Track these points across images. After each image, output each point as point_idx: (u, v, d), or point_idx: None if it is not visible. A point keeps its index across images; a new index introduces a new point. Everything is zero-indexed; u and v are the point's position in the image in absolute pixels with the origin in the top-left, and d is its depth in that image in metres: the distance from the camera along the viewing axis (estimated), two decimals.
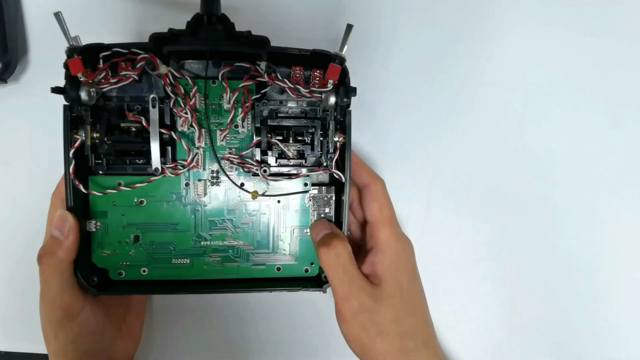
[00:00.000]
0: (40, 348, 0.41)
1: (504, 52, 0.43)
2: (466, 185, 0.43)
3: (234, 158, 0.35)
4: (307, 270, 0.37)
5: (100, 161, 0.35)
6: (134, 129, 0.34)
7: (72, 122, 0.33)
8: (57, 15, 0.31)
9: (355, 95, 0.34)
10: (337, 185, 0.37)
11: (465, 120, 0.43)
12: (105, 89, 0.33)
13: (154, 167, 0.34)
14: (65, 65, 0.32)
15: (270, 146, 0.35)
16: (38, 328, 0.41)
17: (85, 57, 0.32)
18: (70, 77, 0.32)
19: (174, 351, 0.43)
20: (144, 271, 0.36)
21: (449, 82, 0.43)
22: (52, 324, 0.33)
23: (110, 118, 0.34)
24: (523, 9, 0.43)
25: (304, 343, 0.43)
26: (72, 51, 0.32)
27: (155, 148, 0.34)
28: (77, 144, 0.33)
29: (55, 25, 0.41)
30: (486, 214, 0.43)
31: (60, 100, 0.41)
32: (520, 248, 0.44)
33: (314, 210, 0.37)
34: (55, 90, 0.32)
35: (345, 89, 0.34)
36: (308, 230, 0.37)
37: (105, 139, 0.34)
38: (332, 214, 0.37)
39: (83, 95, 0.32)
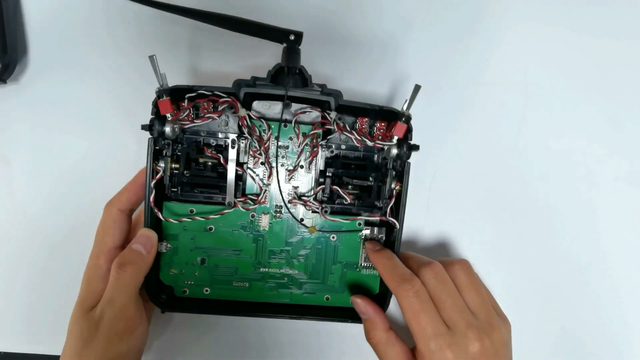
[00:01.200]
0: (41, 348, 0.43)
1: (504, 52, 0.44)
2: (466, 185, 0.44)
3: (298, 202, 0.38)
4: None
5: (175, 189, 0.38)
6: (210, 163, 0.37)
7: (154, 154, 0.36)
8: (152, 58, 0.34)
9: (417, 150, 0.37)
10: (387, 227, 0.40)
11: (465, 120, 0.44)
12: (187, 126, 0.36)
13: (227, 200, 0.37)
14: (155, 105, 0.34)
15: (332, 190, 0.38)
16: (38, 328, 0.42)
17: (172, 98, 0.35)
18: (157, 115, 0.35)
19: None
20: (207, 290, 0.39)
21: (449, 82, 0.44)
22: (110, 335, 0.34)
23: (190, 152, 0.37)
24: (523, 9, 0.44)
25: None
26: (162, 92, 0.34)
27: (230, 184, 0.37)
28: (158, 175, 0.36)
29: (55, 25, 0.43)
30: (486, 213, 0.44)
31: (60, 101, 0.43)
32: (520, 247, 0.44)
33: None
34: (145, 127, 0.35)
35: (408, 146, 0.37)
36: (357, 266, 0.40)
37: (185, 172, 0.37)
38: None
39: (168, 131, 0.35)
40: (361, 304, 0.38)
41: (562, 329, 0.45)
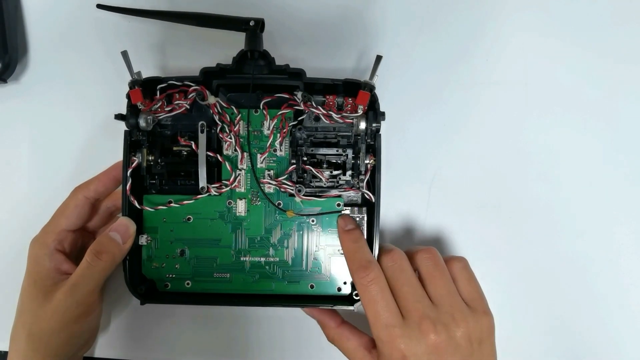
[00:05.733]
0: None
1: (505, 52, 0.44)
2: (467, 185, 0.43)
3: (271, 182, 0.38)
4: (339, 289, 0.39)
5: (154, 181, 0.39)
6: (185, 153, 0.38)
7: (131, 145, 0.38)
8: (124, 53, 0.36)
9: (384, 119, 0.37)
10: (368, 206, 0.38)
11: (466, 119, 0.44)
12: (160, 117, 0.38)
13: (200, 185, 0.37)
14: (127, 96, 0.36)
15: (304, 170, 0.38)
16: None
17: (144, 89, 0.37)
18: (130, 106, 0.37)
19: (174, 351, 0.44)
20: (188, 284, 0.38)
21: (450, 82, 0.44)
22: (65, 318, 0.35)
23: (164, 142, 0.38)
24: (524, 10, 0.44)
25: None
26: (133, 83, 0.36)
27: (202, 168, 0.37)
28: (134, 164, 0.37)
29: (55, 24, 0.44)
30: (486, 213, 0.43)
31: (60, 101, 0.43)
32: (520, 247, 0.43)
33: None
34: (118, 117, 0.37)
35: (374, 114, 0.36)
36: (341, 251, 0.38)
37: (159, 161, 0.38)
38: (365, 234, 0.38)
39: (141, 122, 0.37)
40: (307, 312, 0.39)
41: (563, 331, 0.43)
